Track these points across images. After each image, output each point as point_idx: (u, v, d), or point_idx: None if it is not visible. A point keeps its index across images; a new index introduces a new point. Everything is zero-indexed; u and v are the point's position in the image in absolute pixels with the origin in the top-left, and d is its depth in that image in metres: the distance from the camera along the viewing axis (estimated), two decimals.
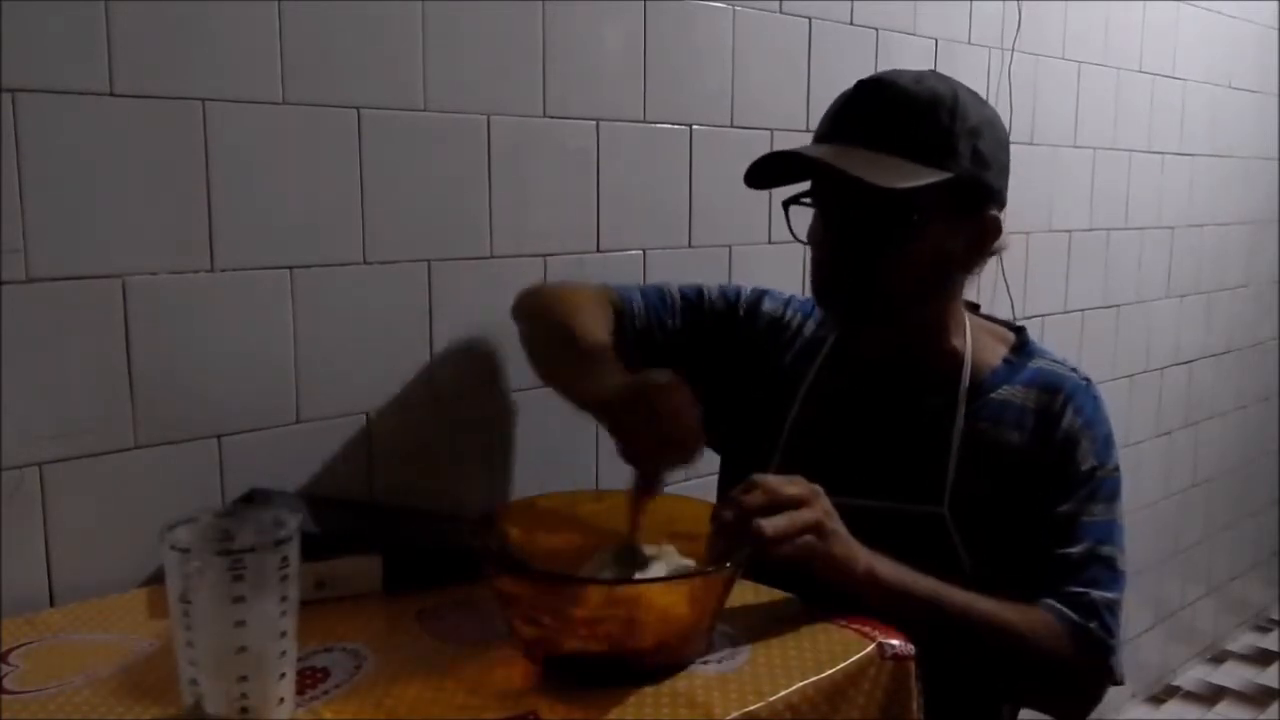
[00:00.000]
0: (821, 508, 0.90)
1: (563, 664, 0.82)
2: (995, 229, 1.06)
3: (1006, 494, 1.05)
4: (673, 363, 1.19)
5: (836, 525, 0.90)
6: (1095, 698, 1.04)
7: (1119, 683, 1.04)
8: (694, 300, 1.22)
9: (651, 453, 0.91)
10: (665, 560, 0.90)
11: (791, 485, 0.89)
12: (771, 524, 0.85)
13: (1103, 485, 1.06)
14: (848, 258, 1.03)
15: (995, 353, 1.13)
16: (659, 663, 0.81)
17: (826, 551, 0.89)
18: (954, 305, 1.11)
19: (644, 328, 1.18)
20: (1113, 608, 1.02)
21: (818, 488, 0.91)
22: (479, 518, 0.93)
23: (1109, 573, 1.03)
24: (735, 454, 1.22)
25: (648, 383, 0.92)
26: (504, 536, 0.92)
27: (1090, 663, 1.01)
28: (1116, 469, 1.08)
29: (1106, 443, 1.08)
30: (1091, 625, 1.00)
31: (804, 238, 1.09)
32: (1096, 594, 1.01)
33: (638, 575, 0.87)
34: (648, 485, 0.92)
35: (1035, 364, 1.12)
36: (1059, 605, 1.00)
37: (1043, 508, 1.04)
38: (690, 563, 0.91)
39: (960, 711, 1.06)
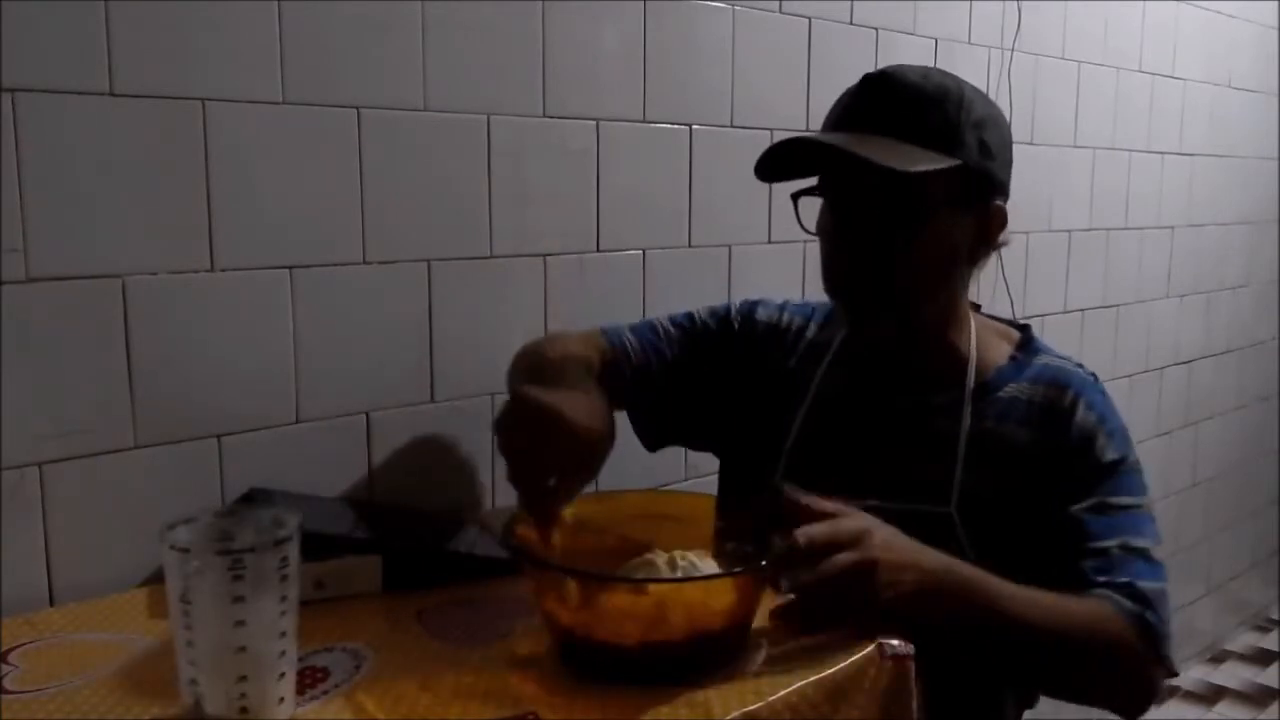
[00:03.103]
0: (870, 539, 0.84)
1: (592, 660, 0.82)
2: (1001, 219, 1.07)
3: (1015, 492, 1.05)
4: (674, 390, 1.20)
5: (882, 538, 0.85)
6: (1157, 690, 1.01)
7: (1174, 674, 1.01)
8: (686, 326, 1.23)
9: (526, 474, 0.88)
10: (703, 567, 0.89)
11: (847, 518, 0.85)
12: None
13: (1127, 478, 1.05)
14: (858, 247, 1.04)
15: (1001, 351, 1.13)
16: (697, 662, 0.81)
17: (875, 560, 0.83)
18: (960, 302, 1.12)
19: (640, 363, 1.18)
20: (1161, 597, 1.00)
21: (863, 525, 0.85)
22: (500, 520, 0.92)
23: (1148, 564, 1.01)
24: (740, 458, 1.23)
25: (524, 398, 0.89)
26: (521, 538, 0.92)
27: (1151, 653, 0.98)
28: (1138, 461, 1.07)
29: (1124, 437, 1.07)
30: (1148, 615, 0.97)
31: (813, 230, 1.09)
32: (1143, 583, 0.99)
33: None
34: (531, 506, 0.89)
35: (1041, 360, 1.12)
36: (1115, 595, 0.97)
37: (1064, 503, 1.03)
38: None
39: (960, 711, 1.06)
